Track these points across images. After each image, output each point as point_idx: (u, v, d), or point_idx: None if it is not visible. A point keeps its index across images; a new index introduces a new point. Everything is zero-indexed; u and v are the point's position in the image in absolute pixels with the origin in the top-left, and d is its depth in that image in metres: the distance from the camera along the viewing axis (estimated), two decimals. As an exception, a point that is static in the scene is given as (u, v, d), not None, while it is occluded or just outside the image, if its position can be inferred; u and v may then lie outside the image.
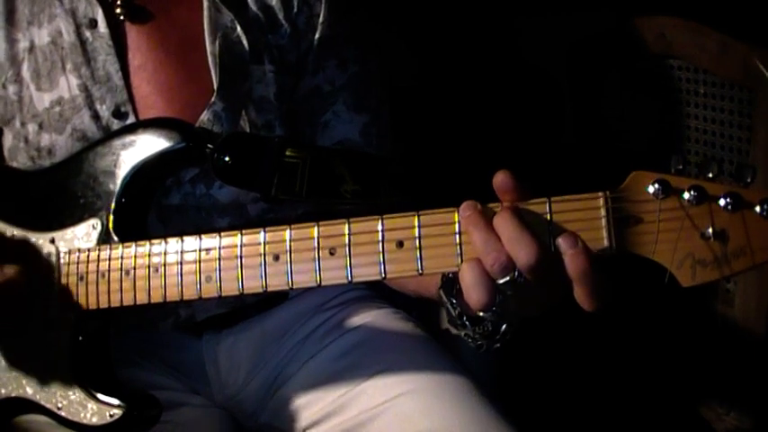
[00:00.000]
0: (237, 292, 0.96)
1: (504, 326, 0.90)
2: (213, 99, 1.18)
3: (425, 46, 2.12)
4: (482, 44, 2.12)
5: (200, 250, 0.98)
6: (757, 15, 1.60)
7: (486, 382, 1.18)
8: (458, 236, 0.85)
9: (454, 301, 0.92)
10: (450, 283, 0.92)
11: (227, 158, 1.05)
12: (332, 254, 0.90)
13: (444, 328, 1.28)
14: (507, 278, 0.82)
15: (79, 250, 1.09)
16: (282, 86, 1.24)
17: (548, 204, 0.81)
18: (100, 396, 1.08)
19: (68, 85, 1.19)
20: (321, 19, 1.26)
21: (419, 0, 2.08)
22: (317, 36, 1.26)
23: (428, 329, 1.29)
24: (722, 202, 0.75)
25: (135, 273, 1.03)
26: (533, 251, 0.79)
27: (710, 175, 0.77)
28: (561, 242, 0.80)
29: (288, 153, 1.03)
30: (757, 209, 0.74)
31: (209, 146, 1.06)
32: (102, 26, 1.19)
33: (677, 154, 0.79)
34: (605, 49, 1.70)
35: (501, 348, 0.92)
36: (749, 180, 0.75)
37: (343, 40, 1.28)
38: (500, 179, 0.83)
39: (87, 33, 1.19)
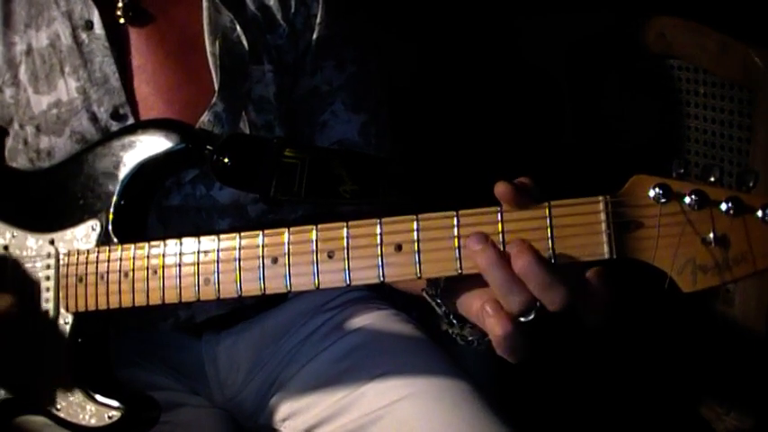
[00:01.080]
0: (236, 295, 0.95)
1: None
2: (214, 100, 1.17)
3: (425, 46, 2.11)
4: (482, 44, 2.12)
5: (198, 252, 0.98)
6: (757, 15, 1.59)
7: (485, 384, 1.18)
8: (456, 240, 0.84)
9: (439, 301, 0.92)
10: (435, 283, 0.92)
11: (226, 160, 1.05)
12: (330, 257, 0.89)
13: (444, 330, 1.28)
14: (531, 316, 0.82)
15: (78, 251, 1.09)
16: (281, 86, 1.24)
17: (547, 209, 0.81)
18: (99, 397, 1.08)
19: (67, 87, 1.19)
20: (318, 19, 1.26)
21: (419, 0, 2.08)
22: (314, 36, 1.26)
23: (428, 331, 1.29)
24: (723, 206, 0.74)
25: (134, 274, 1.02)
26: (566, 294, 0.79)
27: (712, 180, 0.76)
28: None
29: (287, 154, 1.03)
30: (759, 214, 0.73)
31: (209, 147, 1.05)
32: (98, 27, 1.18)
33: (678, 157, 0.78)
34: (605, 49, 1.70)
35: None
36: (751, 185, 0.75)
37: (342, 41, 1.28)
38: (501, 190, 0.82)
39: (83, 35, 1.19)
